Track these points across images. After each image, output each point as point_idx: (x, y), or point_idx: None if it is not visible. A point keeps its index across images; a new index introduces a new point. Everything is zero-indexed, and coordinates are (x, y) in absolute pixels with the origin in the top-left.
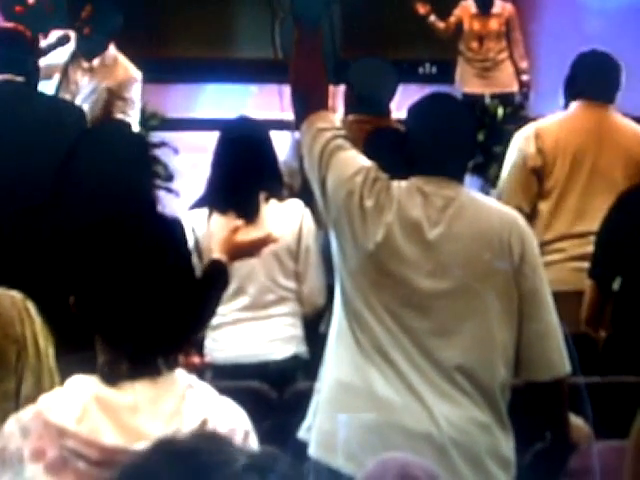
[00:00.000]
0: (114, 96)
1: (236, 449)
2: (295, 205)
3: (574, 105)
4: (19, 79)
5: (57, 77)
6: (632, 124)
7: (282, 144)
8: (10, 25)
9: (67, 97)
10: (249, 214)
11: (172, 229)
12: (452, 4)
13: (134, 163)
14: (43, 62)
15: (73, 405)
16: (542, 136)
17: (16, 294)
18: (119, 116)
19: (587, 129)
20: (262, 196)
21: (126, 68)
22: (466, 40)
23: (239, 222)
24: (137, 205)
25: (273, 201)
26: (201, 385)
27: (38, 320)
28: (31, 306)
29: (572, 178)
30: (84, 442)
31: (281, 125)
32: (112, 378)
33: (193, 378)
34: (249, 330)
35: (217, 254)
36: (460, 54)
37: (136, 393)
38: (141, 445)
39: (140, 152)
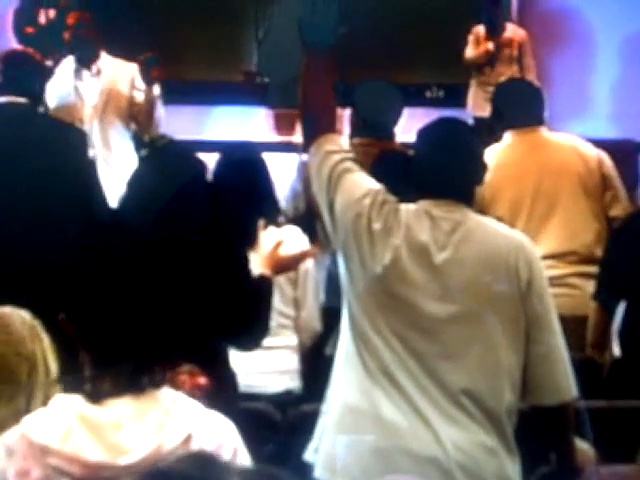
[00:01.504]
0: (133, 89)
1: (226, 469)
2: (293, 231)
3: (506, 137)
4: (23, 101)
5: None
6: (569, 140)
7: (289, 166)
8: (19, 47)
9: (87, 112)
10: (249, 242)
11: (230, 253)
12: (463, 29)
13: (194, 186)
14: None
15: (57, 424)
16: None
17: (25, 313)
18: (142, 109)
19: (522, 158)
20: (261, 223)
21: (127, 64)
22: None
23: (283, 238)
24: (194, 227)
25: (271, 228)
26: (187, 401)
27: (46, 339)
28: (39, 325)
29: (515, 209)
30: (67, 459)
31: (288, 147)
32: (96, 395)
33: (179, 394)
34: (245, 359)
35: (262, 269)
36: (473, 78)
37: (119, 410)
38: (124, 460)
39: (200, 175)
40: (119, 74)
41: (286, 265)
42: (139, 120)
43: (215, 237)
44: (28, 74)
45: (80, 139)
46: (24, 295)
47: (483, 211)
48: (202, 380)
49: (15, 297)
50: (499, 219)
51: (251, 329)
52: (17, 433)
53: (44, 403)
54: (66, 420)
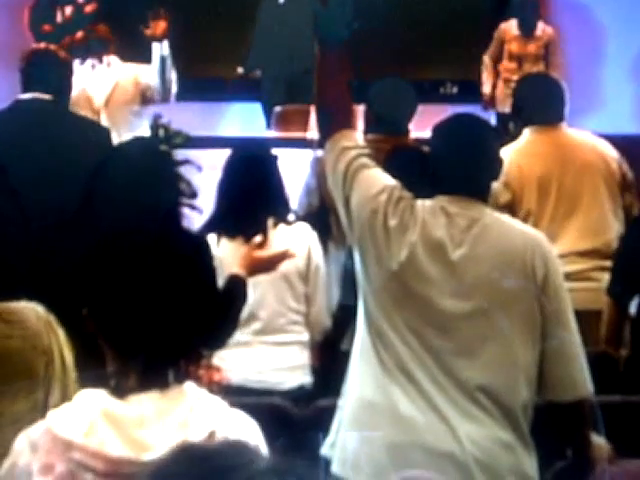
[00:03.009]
0: (141, 82)
1: (255, 454)
2: (303, 228)
3: (526, 132)
4: (47, 97)
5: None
6: (589, 138)
7: (304, 162)
8: (42, 45)
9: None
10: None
11: (195, 245)
12: (477, 26)
13: (160, 180)
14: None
15: (81, 419)
16: (505, 170)
17: (39, 307)
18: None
19: (545, 154)
20: (270, 222)
21: (130, 64)
22: (506, 60)
23: (258, 240)
24: (162, 221)
25: (281, 226)
26: (210, 398)
27: (61, 333)
28: (53, 319)
29: (541, 205)
30: (90, 454)
31: (303, 143)
32: (120, 391)
33: (203, 391)
34: (258, 355)
35: (236, 269)
36: (498, 74)
37: (143, 406)
38: (148, 456)
39: (165, 169)
40: (126, 70)
41: (262, 266)
42: (152, 87)
43: (182, 235)
44: (52, 71)
45: (103, 137)
46: (47, 292)
47: (511, 208)
48: (219, 375)
49: (37, 294)
50: (528, 213)
51: (218, 329)
52: (41, 428)
53: (61, 397)
54: (90, 415)
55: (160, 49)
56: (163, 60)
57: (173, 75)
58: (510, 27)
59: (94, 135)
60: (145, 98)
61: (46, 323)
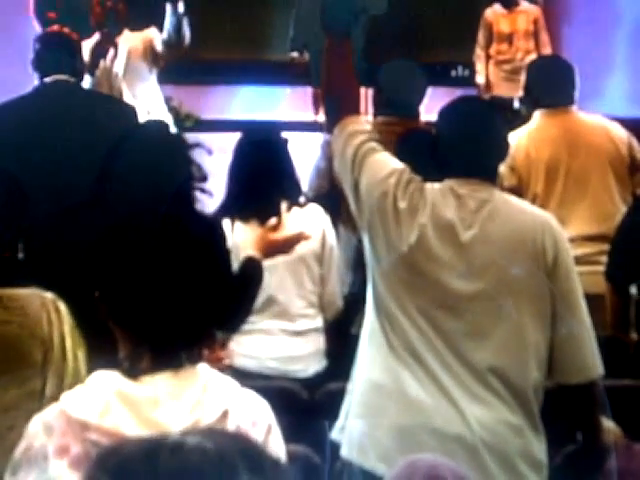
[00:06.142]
0: (153, 48)
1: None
2: (316, 210)
3: (536, 115)
4: (70, 79)
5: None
6: (600, 121)
7: (313, 145)
8: (55, 28)
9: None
10: (269, 220)
11: (208, 228)
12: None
13: (173, 162)
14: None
15: (95, 400)
16: (512, 154)
17: (47, 295)
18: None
19: (554, 138)
20: (284, 205)
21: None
22: (496, 42)
23: (273, 222)
24: (175, 203)
25: (295, 209)
26: (223, 378)
27: (68, 321)
28: (62, 307)
29: (548, 189)
30: (107, 434)
31: (313, 126)
32: (133, 372)
33: (215, 371)
34: (276, 342)
35: (251, 251)
36: (489, 59)
37: (157, 386)
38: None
39: (179, 152)
40: (138, 39)
41: (278, 248)
42: (167, 40)
43: (197, 218)
44: (67, 53)
45: (131, 115)
46: (60, 275)
47: (517, 192)
48: (221, 354)
49: (51, 274)
50: (535, 197)
51: (233, 312)
52: (55, 410)
53: (57, 386)
54: (104, 396)
55: (177, 7)
56: (179, 19)
57: (187, 32)
58: (495, 9)
59: (121, 114)
60: (157, 61)
61: (50, 311)
